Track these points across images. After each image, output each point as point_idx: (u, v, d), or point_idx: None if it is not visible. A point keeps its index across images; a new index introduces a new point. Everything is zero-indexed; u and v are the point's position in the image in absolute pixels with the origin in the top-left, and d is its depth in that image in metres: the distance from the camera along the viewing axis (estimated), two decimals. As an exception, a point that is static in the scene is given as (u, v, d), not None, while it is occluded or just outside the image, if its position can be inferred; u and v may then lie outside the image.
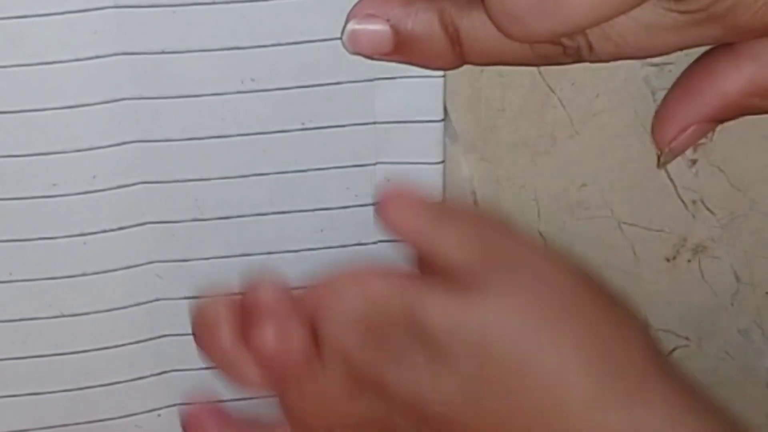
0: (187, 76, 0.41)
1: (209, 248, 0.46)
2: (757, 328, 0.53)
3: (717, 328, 0.53)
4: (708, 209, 0.49)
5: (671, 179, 0.48)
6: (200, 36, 0.40)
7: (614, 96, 0.45)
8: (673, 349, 0.53)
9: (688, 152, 0.47)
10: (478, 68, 0.45)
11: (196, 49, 0.41)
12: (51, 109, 0.41)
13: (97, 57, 0.40)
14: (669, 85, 0.45)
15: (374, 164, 0.45)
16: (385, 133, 0.44)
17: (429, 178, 0.45)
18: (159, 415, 0.49)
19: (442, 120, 0.44)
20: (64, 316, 0.46)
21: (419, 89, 0.43)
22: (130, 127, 0.42)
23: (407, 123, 0.44)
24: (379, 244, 0.47)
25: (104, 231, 0.45)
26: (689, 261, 0.51)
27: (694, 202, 0.49)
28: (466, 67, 0.44)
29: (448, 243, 0.42)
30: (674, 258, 0.51)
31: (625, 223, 0.49)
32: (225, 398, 0.48)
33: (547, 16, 0.35)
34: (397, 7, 0.38)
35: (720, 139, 0.47)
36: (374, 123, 0.44)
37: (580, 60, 0.37)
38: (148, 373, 0.48)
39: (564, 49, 0.36)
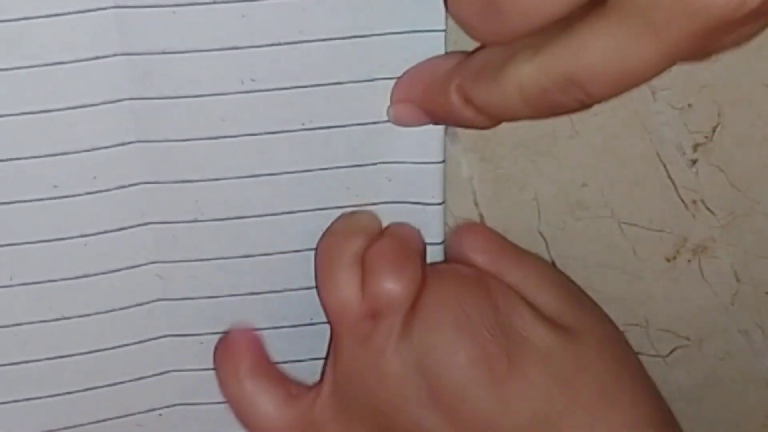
0: (188, 76, 0.41)
1: (210, 249, 0.46)
2: (757, 328, 0.53)
3: (717, 328, 0.53)
4: (708, 209, 0.49)
5: (671, 179, 0.48)
6: (200, 36, 0.40)
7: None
8: (673, 349, 0.53)
9: (689, 152, 0.48)
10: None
11: (197, 49, 0.41)
12: (51, 111, 0.41)
13: (98, 58, 0.40)
14: (669, 84, 0.45)
15: (374, 164, 0.45)
16: (385, 133, 0.44)
17: (429, 178, 0.45)
18: (160, 414, 0.49)
19: (375, 122, 0.44)
20: (65, 318, 0.46)
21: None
22: (131, 128, 0.42)
23: (407, 124, 0.44)
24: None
25: (105, 232, 0.45)
26: (689, 261, 0.51)
27: (694, 202, 0.49)
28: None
29: (531, 281, 0.46)
30: (674, 258, 0.51)
31: (625, 223, 0.49)
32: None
33: (491, 20, 0.36)
34: (420, 92, 0.42)
35: (720, 139, 0.47)
36: (374, 123, 0.44)
37: (586, 106, 0.37)
38: (149, 373, 0.48)
39: (565, 106, 0.37)
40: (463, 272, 0.45)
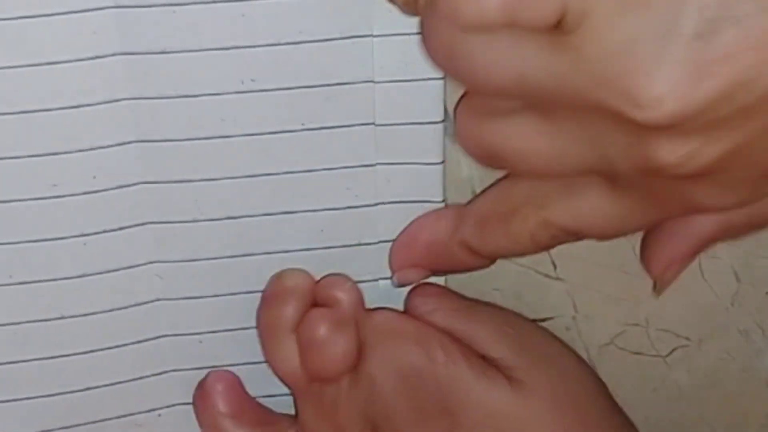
0: (187, 76, 0.41)
1: (209, 248, 0.46)
2: (757, 328, 0.53)
3: (717, 328, 0.53)
4: (708, 209, 0.49)
5: (671, 179, 0.48)
6: (200, 36, 0.40)
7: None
8: (673, 349, 0.53)
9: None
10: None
11: (196, 48, 0.41)
12: (51, 110, 0.41)
13: (97, 57, 0.40)
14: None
15: (374, 165, 0.45)
16: (385, 133, 0.44)
17: (429, 179, 0.45)
18: (159, 414, 0.49)
19: (443, 121, 0.44)
20: (64, 317, 0.46)
21: (419, 90, 0.43)
22: (130, 128, 0.42)
23: (407, 124, 0.44)
24: (380, 244, 0.47)
25: (104, 231, 0.44)
26: (689, 261, 0.51)
27: (694, 201, 0.49)
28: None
29: (482, 336, 0.46)
30: (675, 258, 0.51)
31: (625, 222, 0.49)
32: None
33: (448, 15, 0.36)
34: (422, 255, 0.45)
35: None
36: (374, 124, 0.44)
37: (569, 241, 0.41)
38: (149, 373, 0.48)
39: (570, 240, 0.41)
40: (404, 329, 0.46)
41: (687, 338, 0.53)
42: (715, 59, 0.31)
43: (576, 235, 0.40)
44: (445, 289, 0.48)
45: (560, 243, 0.41)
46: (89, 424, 0.48)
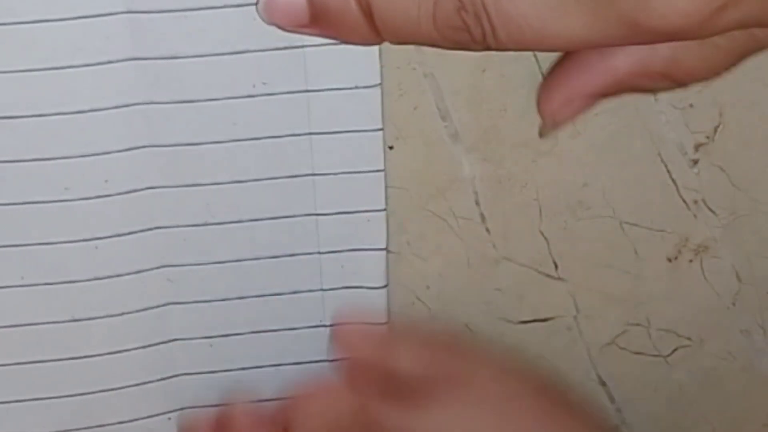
0: (199, 80, 0.42)
1: (219, 252, 0.46)
2: (758, 327, 0.53)
3: (718, 328, 0.53)
4: (709, 209, 0.49)
5: (673, 179, 0.48)
6: (211, 40, 0.41)
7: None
8: (675, 349, 0.53)
9: (690, 152, 0.48)
10: (480, 68, 0.45)
11: (208, 53, 0.41)
12: (63, 114, 0.41)
13: (110, 62, 0.41)
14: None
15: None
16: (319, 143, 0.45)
17: (370, 186, 0.46)
18: (169, 418, 0.49)
19: (381, 129, 0.44)
20: (75, 320, 0.46)
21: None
22: (142, 132, 0.43)
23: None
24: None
25: (116, 235, 0.45)
26: (691, 261, 0.51)
27: (695, 202, 0.49)
28: (466, 66, 0.45)
29: (400, 362, 0.47)
30: (676, 258, 0.51)
31: (626, 222, 0.49)
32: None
33: None
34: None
35: (722, 139, 0.48)
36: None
37: (487, 46, 0.35)
38: (158, 376, 0.48)
39: (469, 32, 0.34)
40: (328, 389, 0.48)
41: (688, 338, 0.53)
42: None
43: (481, 13, 0.34)
44: (364, 327, 0.49)
45: (458, 29, 0.34)
46: (100, 427, 0.48)
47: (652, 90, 0.37)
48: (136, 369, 0.48)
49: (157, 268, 0.46)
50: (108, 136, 0.42)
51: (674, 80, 0.36)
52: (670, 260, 0.51)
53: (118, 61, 0.41)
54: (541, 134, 0.39)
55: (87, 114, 0.42)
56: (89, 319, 0.46)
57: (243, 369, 0.49)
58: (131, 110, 0.42)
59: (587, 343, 0.52)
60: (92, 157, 0.43)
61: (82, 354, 0.47)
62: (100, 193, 0.43)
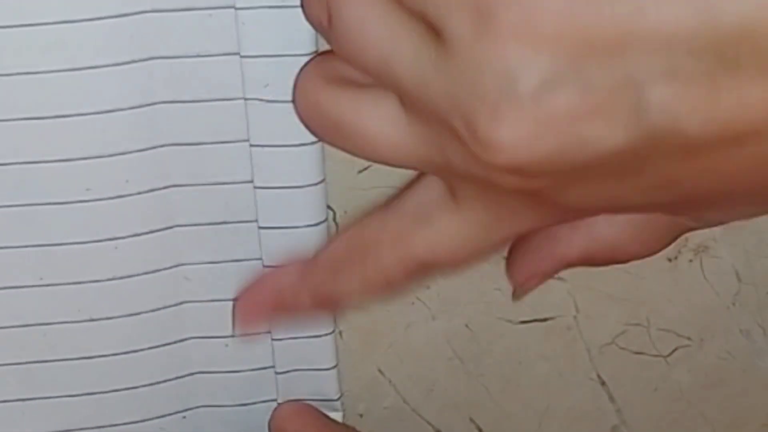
0: (221, 79, 0.42)
1: (237, 251, 0.46)
2: (758, 328, 0.53)
3: (718, 328, 0.53)
4: (711, 209, 0.50)
5: (676, 180, 0.49)
6: (235, 39, 0.41)
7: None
8: (675, 349, 0.53)
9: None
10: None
11: (231, 52, 0.41)
12: (85, 114, 0.41)
13: (133, 61, 0.41)
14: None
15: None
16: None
17: (310, 199, 0.45)
18: (184, 417, 0.50)
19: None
20: (93, 320, 0.46)
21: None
22: (163, 131, 0.43)
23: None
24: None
25: (135, 235, 0.45)
26: (691, 261, 0.51)
27: (697, 201, 0.49)
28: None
29: None
30: (676, 258, 0.51)
31: (628, 223, 0.50)
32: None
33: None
34: (263, 308, 0.43)
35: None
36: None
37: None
38: (174, 375, 0.49)
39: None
40: None
41: (688, 338, 0.53)
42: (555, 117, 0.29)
43: (432, 267, 0.37)
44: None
45: (416, 280, 0.38)
46: (115, 426, 0.48)
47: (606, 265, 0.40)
48: (152, 368, 0.48)
49: (175, 266, 0.46)
50: (130, 135, 0.42)
51: (618, 261, 0.39)
52: (669, 260, 0.51)
53: (140, 60, 0.41)
54: (514, 298, 0.41)
55: (109, 114, 0.42)
56: (106, 318, 0.46)
57: (258, 369, 0.49)
58: (153, 109, 0.42)
59: (587, 342, 0.53)
60: (114, 157, 0.43)
61: (99, 353, 0.47)
62: (121, 193, 0.44)
